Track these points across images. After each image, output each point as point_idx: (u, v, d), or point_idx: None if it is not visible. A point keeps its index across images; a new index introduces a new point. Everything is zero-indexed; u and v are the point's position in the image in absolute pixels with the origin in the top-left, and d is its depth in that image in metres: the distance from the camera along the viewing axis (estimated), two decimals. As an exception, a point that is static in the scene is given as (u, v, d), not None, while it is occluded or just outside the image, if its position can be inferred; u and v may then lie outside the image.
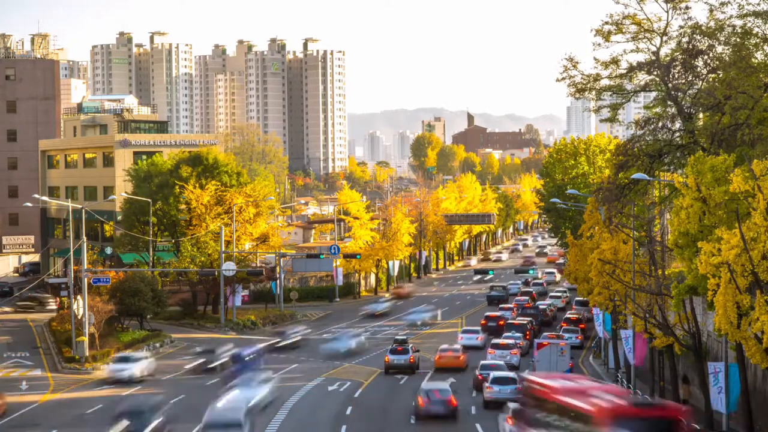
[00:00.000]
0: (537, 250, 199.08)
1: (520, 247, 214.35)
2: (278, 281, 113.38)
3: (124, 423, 48.27)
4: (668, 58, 60.69)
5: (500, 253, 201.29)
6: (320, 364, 76.79)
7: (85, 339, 75.99)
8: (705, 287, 38.12)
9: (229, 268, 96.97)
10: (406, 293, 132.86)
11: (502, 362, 65.97)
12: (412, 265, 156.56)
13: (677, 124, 59.76)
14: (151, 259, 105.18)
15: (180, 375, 72.37)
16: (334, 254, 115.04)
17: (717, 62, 58.70)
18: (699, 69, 59.49)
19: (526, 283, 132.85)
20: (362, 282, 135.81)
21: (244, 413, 47.11)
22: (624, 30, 60.98)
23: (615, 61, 61.79)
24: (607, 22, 61.01)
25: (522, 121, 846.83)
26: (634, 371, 61.08)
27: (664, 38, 60.99)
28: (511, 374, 58.70)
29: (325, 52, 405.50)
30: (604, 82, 63.09)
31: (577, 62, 62.60)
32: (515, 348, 75.55)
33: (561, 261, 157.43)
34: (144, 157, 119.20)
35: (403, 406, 58.77)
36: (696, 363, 50.09)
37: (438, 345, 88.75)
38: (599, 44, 61.58)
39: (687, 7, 59.98)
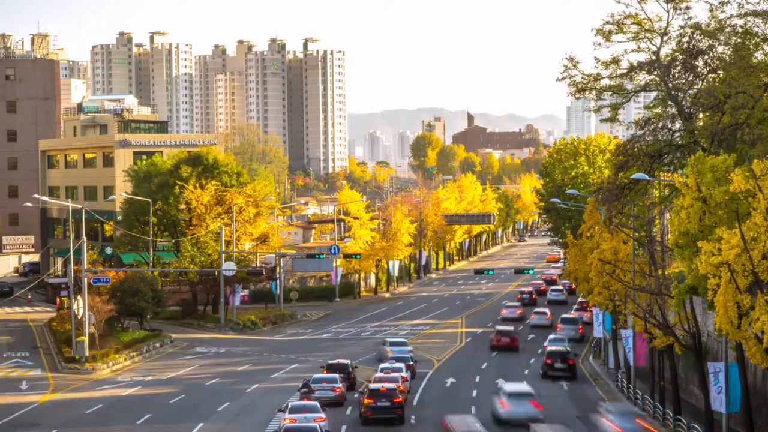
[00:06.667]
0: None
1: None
2: (278, 281, 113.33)
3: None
4: (668, 58, 60.64)
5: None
6: (321, 364, 76.58)
7: (85, 339, 75.94)
8: (705, 287, 38.04)
9: (229, 268, 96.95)
10: None
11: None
12: (412, 265, 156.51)
13: (677, 124, 59.71)
14: (151, 259, 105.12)
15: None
16: (334, 254, 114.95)
17: (717, 62, 58.66)
18: (699, 69, 59.45)
19: None
20: (362, 282, 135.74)
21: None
22: (625, 30, 60.93)
23: (615, 61, 61.74)
24: (608, 22, 61.00)
25: (522, 121, 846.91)
26: (634, 371, 61.08)
27: (665, 38, 60.95)
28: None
29: (325, 52, 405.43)
30: (605, 81, 63.05)
31: (578, 62, 62.59)
32: None
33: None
34: (144, 157, 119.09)
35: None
36: (696, 363, 50.05)
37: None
38: (600, 44, 61.56)
39: (687, 7, 59.98)
